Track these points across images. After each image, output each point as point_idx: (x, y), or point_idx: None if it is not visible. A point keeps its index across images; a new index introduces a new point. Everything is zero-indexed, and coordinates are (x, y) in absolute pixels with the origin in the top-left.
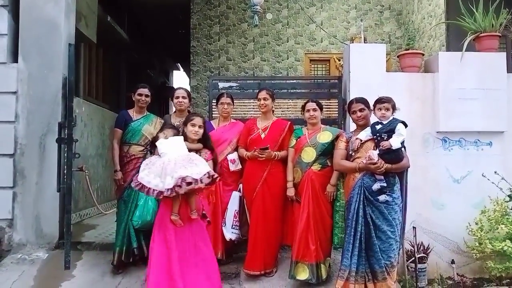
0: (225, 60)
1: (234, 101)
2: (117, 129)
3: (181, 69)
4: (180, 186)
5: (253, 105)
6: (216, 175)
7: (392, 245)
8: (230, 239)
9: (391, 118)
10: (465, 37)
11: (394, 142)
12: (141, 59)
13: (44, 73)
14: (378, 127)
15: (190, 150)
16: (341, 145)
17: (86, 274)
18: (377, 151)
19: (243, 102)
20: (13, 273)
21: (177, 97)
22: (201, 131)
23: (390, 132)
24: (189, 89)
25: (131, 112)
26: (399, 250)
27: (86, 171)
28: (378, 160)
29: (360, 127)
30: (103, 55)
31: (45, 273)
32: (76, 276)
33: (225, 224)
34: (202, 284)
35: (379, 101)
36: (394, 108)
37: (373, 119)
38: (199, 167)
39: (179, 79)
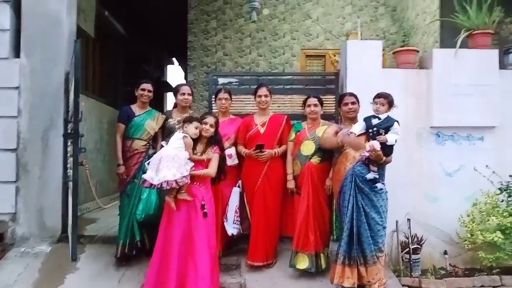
0: (222, 55)
1: (232, 97)
2: (120, 123)
3: (177, 63)
4: (162, 186)
5: (250, 100)
6: (182, 182)
7: (380, 231)
8: (232, 234)
9: (386, 115)
10: (459, 33)
11: (391, 138)
12: (138, 53)
13: (47, 68)
14: (375, 121)
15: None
16: (329, 130)
17: (90, 266)
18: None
19: (240, 98)
20: (17, 265)
21: (183, 94)
22: (212, 130)
23: (388, 128)
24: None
25: (134, 107)
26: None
27: (86, 166)
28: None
29: (349, 120)
30: (100, 50)
31: (49, 265)
32: (80, 268)
33: (226, 220)
34: (190, 275)
35: (377, 95)
36: (391, 105)
37: (361, 114)
38: (173, 170)
39: (174, 73)
